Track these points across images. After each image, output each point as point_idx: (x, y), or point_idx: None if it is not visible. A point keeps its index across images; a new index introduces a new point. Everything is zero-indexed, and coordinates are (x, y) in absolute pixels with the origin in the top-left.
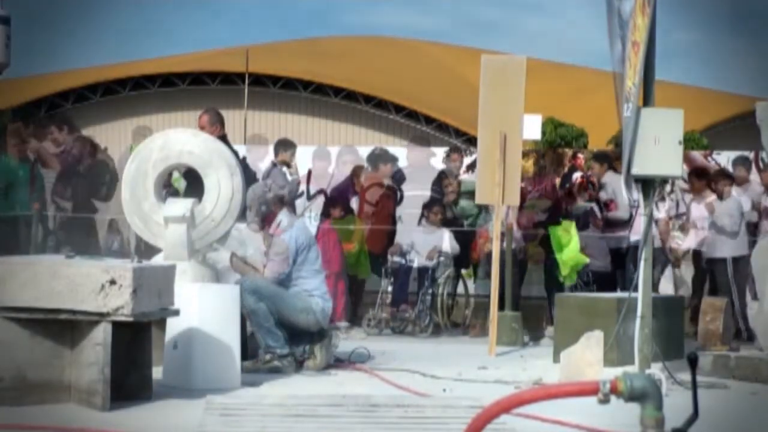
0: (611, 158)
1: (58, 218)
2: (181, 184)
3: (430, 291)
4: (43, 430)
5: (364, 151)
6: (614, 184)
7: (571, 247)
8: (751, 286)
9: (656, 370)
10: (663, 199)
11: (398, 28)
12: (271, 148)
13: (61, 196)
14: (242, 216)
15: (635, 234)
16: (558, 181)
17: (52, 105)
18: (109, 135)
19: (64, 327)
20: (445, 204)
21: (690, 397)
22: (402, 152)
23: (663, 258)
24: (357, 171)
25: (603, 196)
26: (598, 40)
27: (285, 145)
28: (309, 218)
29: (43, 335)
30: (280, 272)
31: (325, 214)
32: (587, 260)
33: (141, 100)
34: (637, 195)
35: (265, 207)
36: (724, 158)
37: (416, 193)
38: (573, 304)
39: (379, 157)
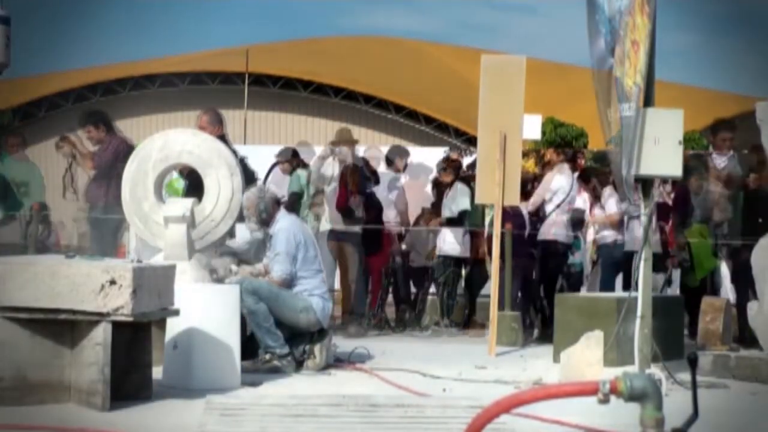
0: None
1: (90, 219)
2: (179, 184)
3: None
4: (43, 430)
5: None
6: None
7: (707, 251)
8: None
9: (656, 370)
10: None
11: (396, 30)
12: (317, 149)
13: (95, 196)
14: (241, 218)
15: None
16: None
17: (52, 105)
18: None
19: (64, 327)
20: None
21: (690, 397)
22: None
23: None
24: (353, 170)
25: (548, 195)
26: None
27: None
28: (308, 219)
29: (43, 335)
30: (287, 272)
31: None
32: (717, 263)
33: (141, 100)
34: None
35: (263, 208)
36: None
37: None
38: (573, 305)
39: (394, 152)
